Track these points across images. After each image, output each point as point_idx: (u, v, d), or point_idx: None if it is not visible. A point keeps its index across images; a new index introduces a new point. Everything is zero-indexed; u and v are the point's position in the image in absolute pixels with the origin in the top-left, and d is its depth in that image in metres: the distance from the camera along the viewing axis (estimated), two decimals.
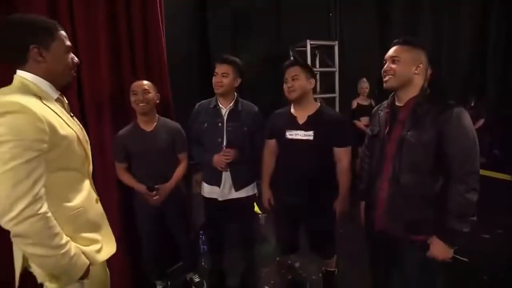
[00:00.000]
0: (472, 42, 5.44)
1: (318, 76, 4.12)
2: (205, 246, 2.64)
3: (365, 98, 4.09)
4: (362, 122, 3.90)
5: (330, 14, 4.68)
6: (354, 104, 4.12)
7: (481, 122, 4.65)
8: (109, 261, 1.23)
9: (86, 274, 1.01)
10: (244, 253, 2.25)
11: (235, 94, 1.99)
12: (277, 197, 1.97)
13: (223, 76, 1.87)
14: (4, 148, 0.84)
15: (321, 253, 2.03)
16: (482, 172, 3.94)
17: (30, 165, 0.87)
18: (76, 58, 1.10)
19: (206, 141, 1.97)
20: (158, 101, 1.89)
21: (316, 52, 4.51)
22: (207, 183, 2.04)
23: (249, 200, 2.06)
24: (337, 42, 4.35)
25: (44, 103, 0.96)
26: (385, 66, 1.32)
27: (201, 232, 2.67)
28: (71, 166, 1.04)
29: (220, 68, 1.88)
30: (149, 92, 1.80)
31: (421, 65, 1.27)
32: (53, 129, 0.93)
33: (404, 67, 1.27)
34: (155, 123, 1.89)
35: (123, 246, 1.97)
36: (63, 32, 1.05)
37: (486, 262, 2.30)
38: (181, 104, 2.42)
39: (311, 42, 4.07)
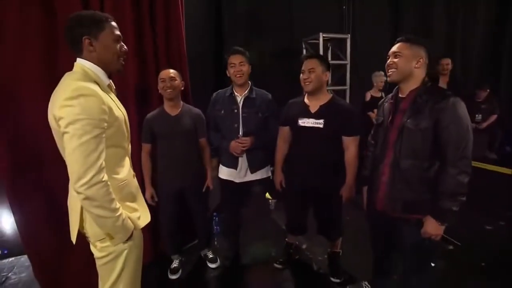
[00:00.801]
0: (486, 36, 5.35)
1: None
2: (218, 227, 2.81)
3: (378, 90, 4.07)
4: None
5: (344, 7, 4.69)
6: (368, 96, 4.09)
7: (493, 118, 4.62)
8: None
9: (130, 236, 1.18)
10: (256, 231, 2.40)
11: (249, 82, 2.09)
12: (288, 181, 2.08)
13: (241, 65, 1.98)
14: (78, 125, 0.99)
15: (327, 235, 2.14)
16: (492, 167, 3.95)
17: (97, 140, 1.02)
18: (125, 47, 1.21)
19: (223, 127, 2.10)
20: (183, 88, 2.05)
21: (329, 45, 4.54)
22: (224, 166, 2.16)
23: (263, 182, 2.18)
24: (349, 35, 4.38)
25: (101, 88, 1.11)
26: (388, 61, 1.43)
27: (214, 214, 2.83)
28: (120, 144, 1.19)
29: (237, 59, 1.98)
30: (175, 80, 1.96)
31: (421, 60, 1.37)
32: (110, 110, 1.09)
33: (405, 61, 1.37)
34: (180, 109, 2.05)
35: None
36: (113, 23, 1.15)
37: (486, 251, 2.39)
38: (198, 95, 2.55)
39: (323, 35, 4.11)
